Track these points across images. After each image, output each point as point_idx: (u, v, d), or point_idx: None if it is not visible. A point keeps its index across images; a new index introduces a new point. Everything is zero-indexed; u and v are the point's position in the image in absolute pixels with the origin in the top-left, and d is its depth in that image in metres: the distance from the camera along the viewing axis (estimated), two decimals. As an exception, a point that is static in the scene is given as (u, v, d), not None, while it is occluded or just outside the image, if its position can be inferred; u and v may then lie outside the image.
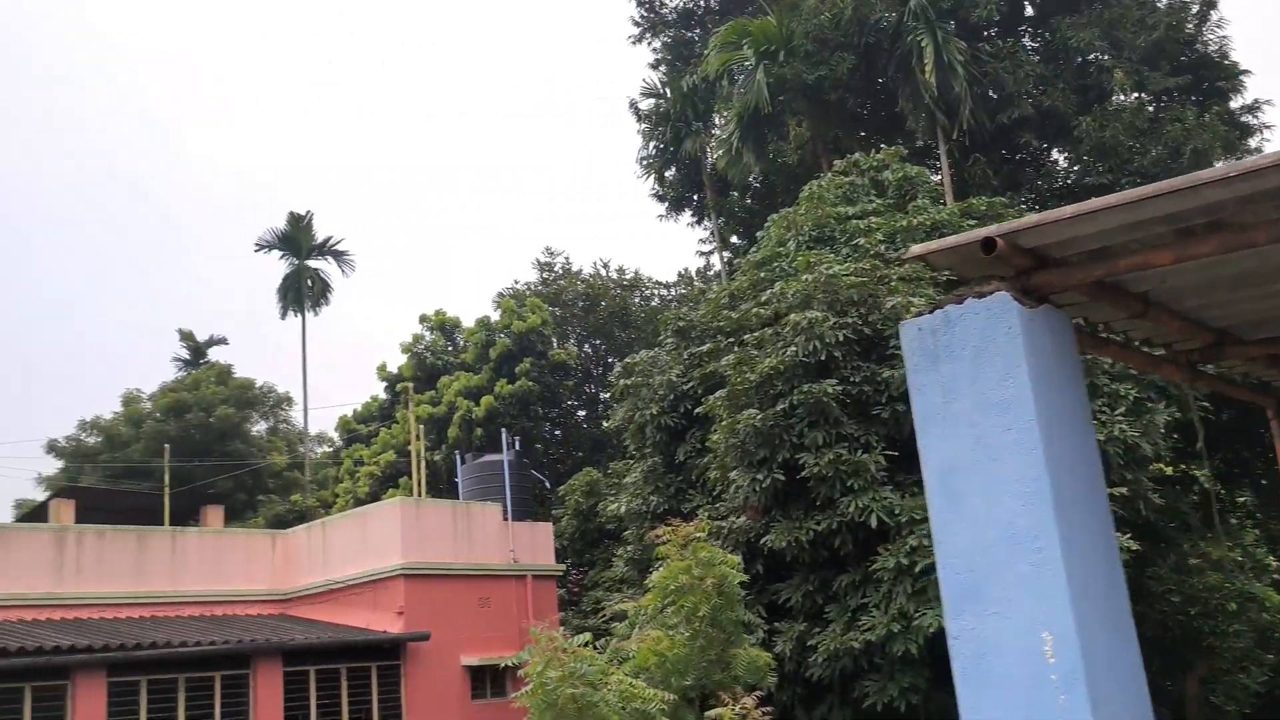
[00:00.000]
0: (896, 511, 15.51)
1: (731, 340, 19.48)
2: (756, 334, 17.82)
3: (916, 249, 5.18)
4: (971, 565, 4.64)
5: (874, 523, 15.46)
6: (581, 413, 40.81)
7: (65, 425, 43.88)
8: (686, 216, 37.02)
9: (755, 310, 18.58)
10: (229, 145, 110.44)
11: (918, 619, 14.77)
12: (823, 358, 16.26)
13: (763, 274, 19.87)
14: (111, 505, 30.01)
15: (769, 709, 12.41)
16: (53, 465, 42.68)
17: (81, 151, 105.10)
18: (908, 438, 16.36)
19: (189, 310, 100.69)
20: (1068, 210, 4.69)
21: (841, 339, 16.27)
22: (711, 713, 12.15)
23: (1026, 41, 29.71)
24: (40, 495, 39.35)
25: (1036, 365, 4.67)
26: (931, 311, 5.01)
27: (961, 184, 25.37)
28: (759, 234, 22.79)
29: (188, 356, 50.39)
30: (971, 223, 20.18)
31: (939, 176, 25.47)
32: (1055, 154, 29.72)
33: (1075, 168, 28.71)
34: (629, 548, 21.95)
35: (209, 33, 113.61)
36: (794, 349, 16.28)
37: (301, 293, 48.63)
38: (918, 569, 14.92)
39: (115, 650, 19.09)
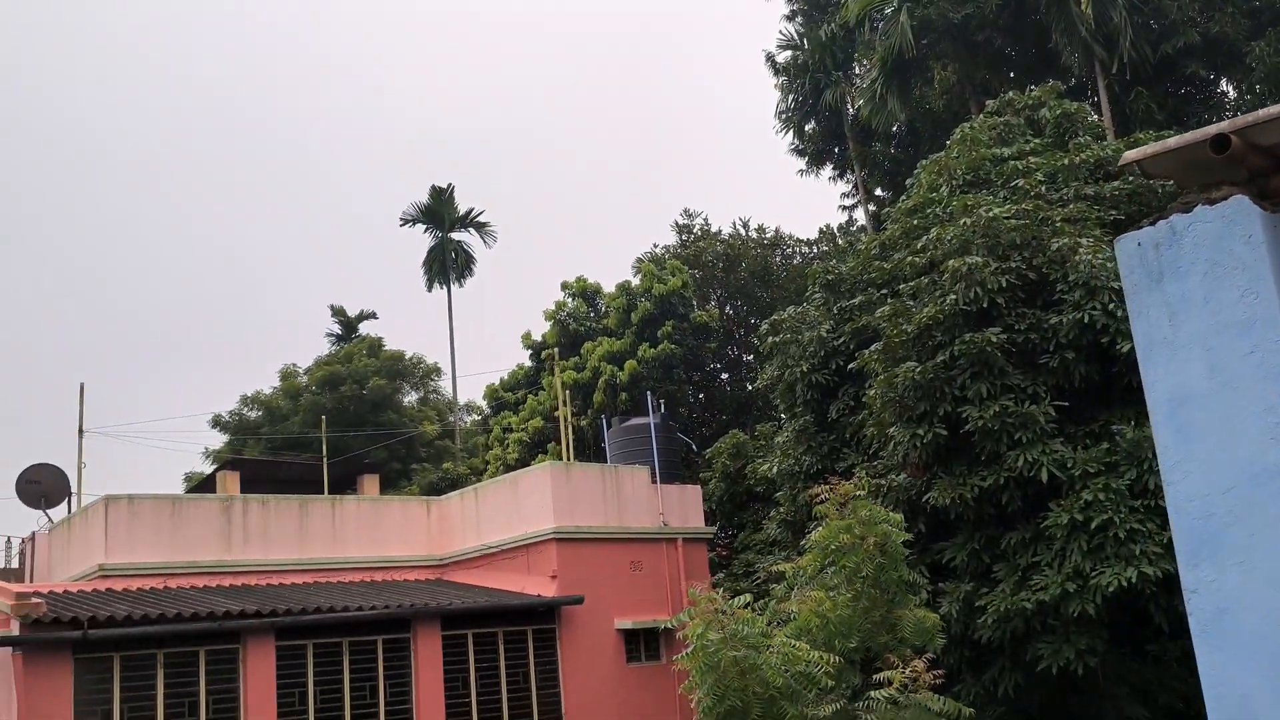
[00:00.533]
0: (1069, 465, 14.65)
1: (884, 292, 18.75)
2: (911, 284, 17.06)
3: (1131, 154, 4.58)
4: (1209, 509, 4.07)
5: (1044, 477, 14.63)
6: (725, 375, 40.34)
7: (228, 401, 45.48)
8: (828, 171, 36.12)
9: (909, 259, 17.78)
10: (368, 114, 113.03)
11: (1095, 577, 13.95)
12: (984, 305, 15.43)
13: (915, 221, 19.02)
14: (273, 476, 30.96)
15: (938, 672, 11.86)
16: (218, 439, 44.43)
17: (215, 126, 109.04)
18: (1078, 387, 15.47)
19: (339, 286, 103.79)
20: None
21: (1004, 285, 15.40)
22: (880, 675, 11.66)
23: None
24: (207, 468, 41.00)
25: (1284, 278, 4.05)
26: (1154, 223, 4.41)
27: (1123, 121, 23.94)
28: (908, 182, 21.87)
29: (340, 331, 51.80)
30: (1139, 158, 18.94)
31: (1098, 115, 24.02)
32: (1225, 85, 27.79)
33: (1248, 97, 26.82)
34: (781, 509, 21.48)
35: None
36: (953, 297, 15.49)
37: (446, 265, 49.45)
38: (1093, 525, 14.08)
39: (282, 615, 19.55)
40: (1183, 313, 4.21)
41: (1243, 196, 4.14)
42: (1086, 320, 14.91)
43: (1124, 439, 14.46)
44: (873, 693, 11.50)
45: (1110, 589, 13.62)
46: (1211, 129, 4.31)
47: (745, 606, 12.17)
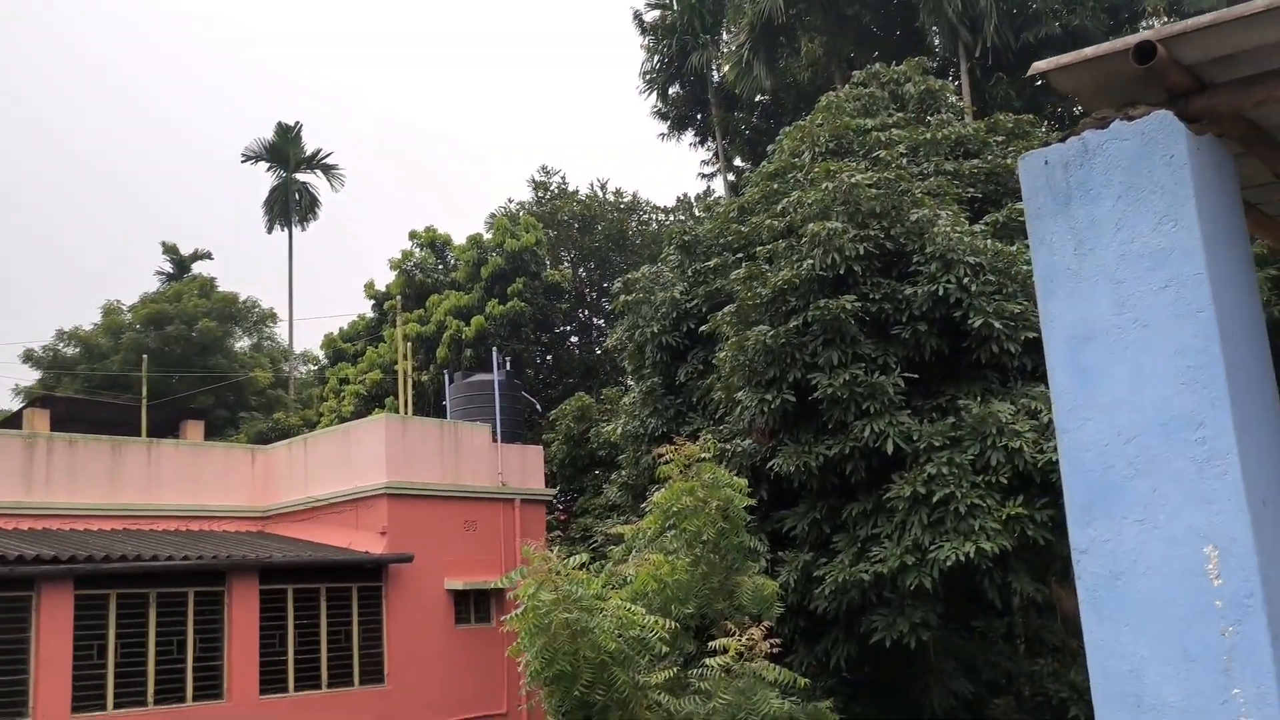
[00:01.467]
0: (914, 437, 14.54)
1: (740, 256, 18.39)
2: (768, 247, 16.70)
3: (1041, 64, 4.07)
4: (1108, 460, 3.62)
5: (889, 449, 14.50)
6: (575, 339, 39.71)
7: (45, 336, 42.65)
8: (689, 137, 35.73)
9: (768, 222, 17.43)
10: (217, 49, 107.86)
11: (933, 551, 13.88)
12: (841, 272, 15.18)
13: (775, 186, 18.70)
14: (88, 416, 28.99)
15: (774, 641, 11.52)
16: (31, 376, 41.59)
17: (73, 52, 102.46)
18: (928, 360, 15.38)
19: (173, 223, 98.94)
20: (1256, 4, 3.58)
21: (862, 252, 15.17)
22: (716, 642, 11.25)
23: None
24: (16, 406, 38.24)
25: (1206, 206, 3.61)
26: (1064, 140, 3.92)
27: (982, 104, 24.17)
28: (769, 148, 21.58)
29: (171, 271, 49.11)
30: (998, 139, 19.08)
31: (959, 96, 24.20)
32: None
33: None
34: (623, 472, 21.04)
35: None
36: (810, 262, 15.18)
37: (289, 206, 47.35)
38: (935, 498, 14.01)
39: (83, 562, 18.15)
40: (1091, 240, 3.74)
41: (1166, 113, 3.68)
42: (941, 293, 14.81)
43: (970, 414, 14.42)
44: (707, 660, 11.09)
45: (948, 563, 13.56)
46: (1133, 38, 3.83)
47: (580, 568, 11.58)
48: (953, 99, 21.98)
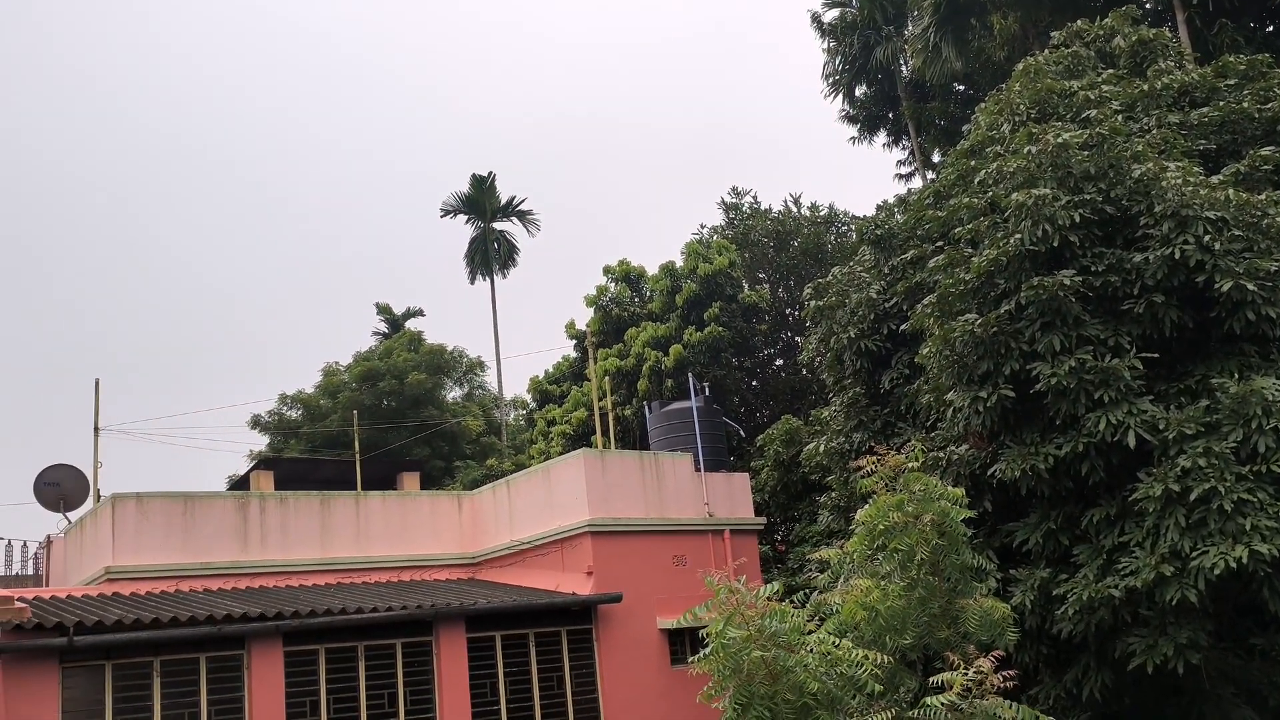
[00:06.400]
0: (1161, 427, 12.50)
1: (940, 245, 16.66)
2: (969, 227, 14.94)
3: None
4: None
5: (1131, 442, 12.51)
6: (779, 361, 38.23)
7: (271, 402, 44.54)
8: (881, 137, 33.92)
9: (966, 200, 15.64)
10: (403, 109, 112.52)
11: (1196, 558, 11.81)
12: (1055, 245, 13.30)
13: (973, 163, 16.89)
14: (310, 475, 29.67)
15: (1010, 672, 9.81)
16: (260, 441, 43.36)
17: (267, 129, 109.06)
18: (1169, 336, 13.28)
19: (385, 282, 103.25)
20: None
21: (1078, 220, 13.26)
22: (938, 677, 9.65)
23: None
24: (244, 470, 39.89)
25: None
26: None
27: (1205, 54, 21.50)
28: (964, 128, 19.74)
29: (386, 330, 50.57)
30: (1228, 83, 16.67)
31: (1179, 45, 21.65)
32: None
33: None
34: (833, 494, 19.51)
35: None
36: (1018, 237, 13.39)
37: (489, 256, 47.96)
38: (1193, 496, 11.95)
39: (290, 618, 18.05)
40: None
41: None
42: (1178, 257, 12.74)
43: (1226, 394, 12.28)
44: (930, 698, 9.49)
45: (1216, 572, 11.49)
46: None
47: (776, 597, 10.22)
48: (1174, 43, 19.59)
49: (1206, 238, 12.71)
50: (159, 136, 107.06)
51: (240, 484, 29.55)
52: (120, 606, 17.80)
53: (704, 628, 10.43)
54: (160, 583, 20.53)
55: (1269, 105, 15.55)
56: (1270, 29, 24.96)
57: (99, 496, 22.95)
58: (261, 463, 30.39)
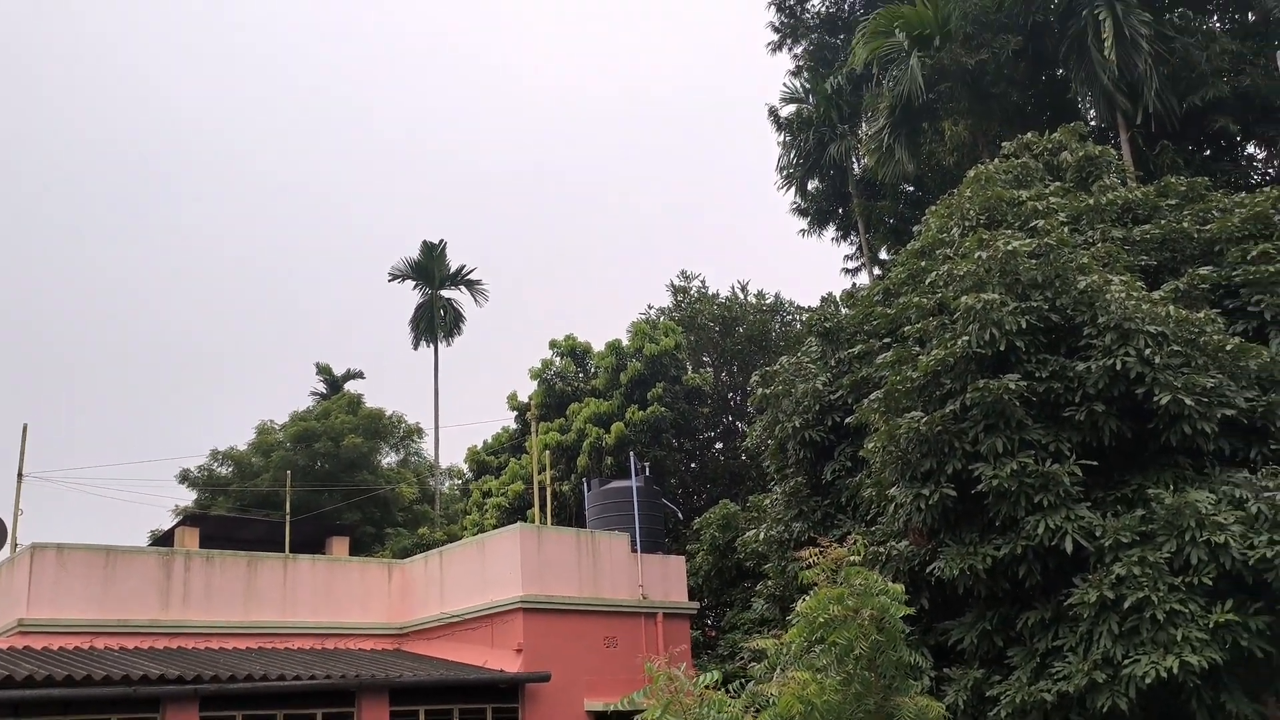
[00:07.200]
0: (1098, 534, 12.72)
1: (887, 340, 16.94)
2: (918, 326, 15.22)
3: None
4: None
5: (1069, 547, 12.70)
6: (718, 445, 38.36)
7: (202, 457, 43.65)
8: (831, 231, 34.54)
9: (916, 300, 15.95)
10: (362, 176, 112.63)
11: (1128, 666, 11.96)
12: (1001, 349, 13.60)
13: (923, 264, 17.26)
14: (236, 534, 29.02)
15: (944, 773, 9.81)
16: (187, 496, 42.42)
17: (218, 192, 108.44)
18: (1107, 445, 13.56)
19: (326, 342, 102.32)
20: None
21: (1024, 326, 13.58)
22: (873, 776, 9.62)
23: (1215, 22, 26.42)
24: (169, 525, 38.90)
25: None
26: None
27: (1147, 173, 22.30)
28: (915, 229, 20.20)
29: (325, 391, 50.01)
30: (1169, 203, 17.29)
31: (1122, 163, 22.46)
32: (1252, 146, 26.25)
33: (1276, 161, 25.32)
34: (769, 583, 19.47)
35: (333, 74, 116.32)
36: (966, 339, 13.67)
37: (434, 323, 47.85)
38: (1126, 604, 12.14)
39: (209, 682, 17.54)
40: None
41: None
42: (1119, 368, 13.07)
43: (1162, 505, 12.54)
44: (863, 797, 9.45)
45: (1147, 681, 11.62)
46: None
47: (714, 686, 10.15)
48: (1119, 161, 20.33)
49: (1147, 351, 13.06)
50: (99, 180, 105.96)
51: (164, 540, 28.81)
52: (32, 661, 17.20)
53: (639, 713, 10.31)
54: (76, 638, 19.91)
55: (1208, 227, 16.13)
56: (1208, 153, 25.97)
57: (16, 545, 22.19)
58: (188, 519, 29.70)
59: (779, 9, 35.30)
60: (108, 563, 21.41)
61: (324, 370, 50.66)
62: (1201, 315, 13.88)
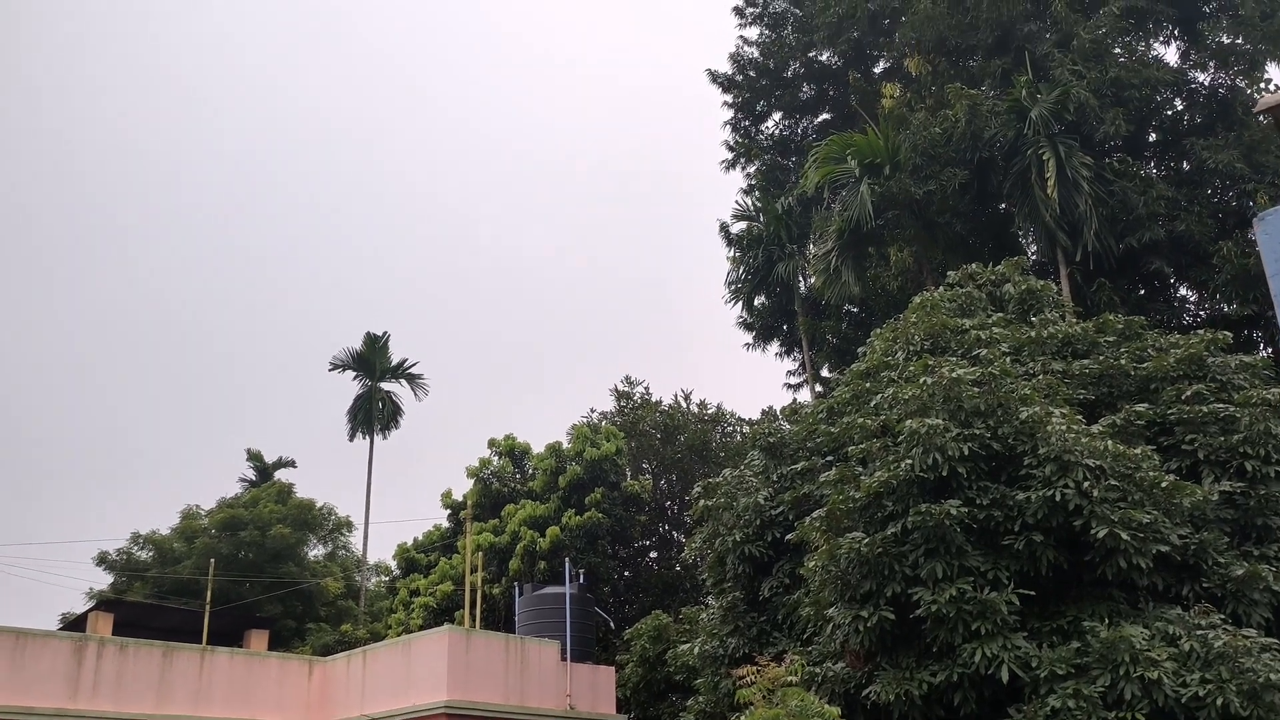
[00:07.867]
0: (1033, 664, 12.74)
1: (830, 459, 17.05)
2: (861, 447, 15.36)
3: (1270, 99, 2.93)
4: None
5: (1005, 677, 12.69)
6: (654, 554, 38.03)
7: (121, 540, 42.29)
8: (775, 347, 34.93)
9: (860, 421, 16.14)
10: (307, 266, 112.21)
11: (1062, 801, 11.86)
12: (943, 474, 13.75)
13: (868, 385, 17.51)
14: (152, 622, 28.09)
15: None
16: (104, 580, 41.01)
17: (151, 265, 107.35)
18: (1045, 575, 13.67)
19: (260, 428, 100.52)
20: None
21: (966, 453, 13.77)
22: None
23: (1153, 168, 27.55)
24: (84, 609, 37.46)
25: None
26: None
27: (1085, 309, 22.95)
28: (860, 350, 20.53)
29: (254, 478, 48.95)
30: (1107, 339, 17.79)
31: (1061, 298, 23.10)
32: (1184, 289, 27.18)
33: (1206, 305, 26.19)
34: (700, 698, 19.14)
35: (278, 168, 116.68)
36: (909, 462, 13.81)
37: (372, 415, 47.30)
38: (1061, 737, 12.08)
39: (111, 779, 16.78)
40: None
41: None
42: (1058, 499, 13.25)
43: (1097, 638, 12.62)
44: None
45: (1080, 816, 11.53)
46: None
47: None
48: (1058, 296, 20.93)
49: (1085, 484, 13.28)
50: (31, 249, 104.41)
51: (76, 624, 27.78)
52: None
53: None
54: (-27, 726, 19.02)
55: (1144, 365, 16.58)
56: (1143, 292, 26.83)
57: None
58: (102, 603, 28.73)
59: (734, 129, 36.22)
60: (16, 646, 20.61)
61: (255, 457, 49.67)
62: (1138, 451, 14.17)
